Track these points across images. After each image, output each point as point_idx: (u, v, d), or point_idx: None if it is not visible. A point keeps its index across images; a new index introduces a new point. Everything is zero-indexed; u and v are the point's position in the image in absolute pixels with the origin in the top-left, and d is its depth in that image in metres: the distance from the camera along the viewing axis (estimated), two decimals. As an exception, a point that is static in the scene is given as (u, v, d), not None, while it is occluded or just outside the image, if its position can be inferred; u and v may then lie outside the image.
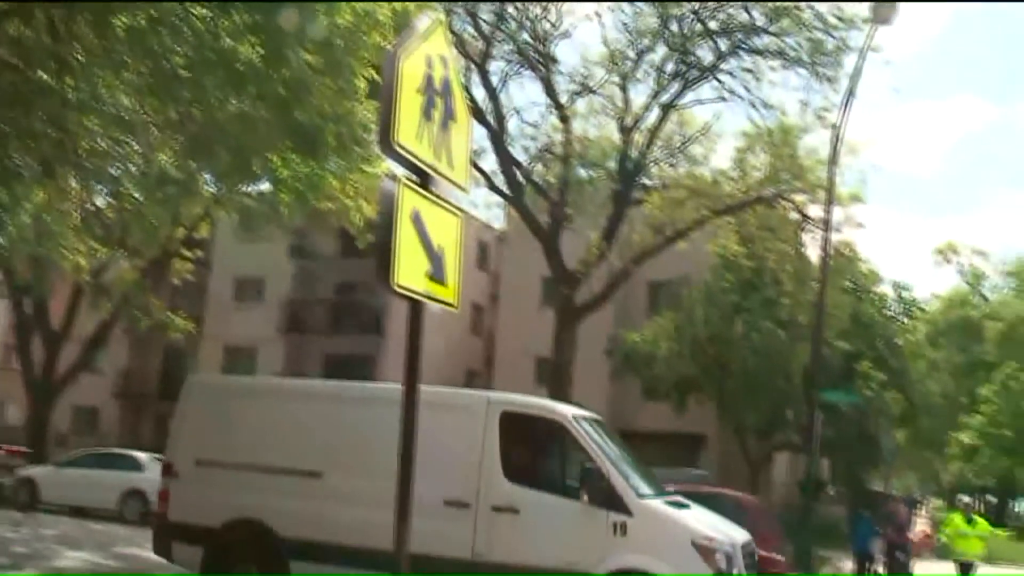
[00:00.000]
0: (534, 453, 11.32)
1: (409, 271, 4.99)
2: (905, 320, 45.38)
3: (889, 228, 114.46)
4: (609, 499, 10.04)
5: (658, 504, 10.50)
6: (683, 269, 32.02)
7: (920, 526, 31.75)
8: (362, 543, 10.31)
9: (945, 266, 62.01)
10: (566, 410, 11.08)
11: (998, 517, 30.32)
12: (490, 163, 24.13)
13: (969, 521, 21.15)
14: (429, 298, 5.26)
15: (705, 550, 9.84)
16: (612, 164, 23.91)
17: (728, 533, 10.56)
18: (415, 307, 5.17)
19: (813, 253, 25.98)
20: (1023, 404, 43.81)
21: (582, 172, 24.64)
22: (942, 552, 24.97)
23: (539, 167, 24.84)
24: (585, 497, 10.09)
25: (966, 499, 27.19)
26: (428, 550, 10.23)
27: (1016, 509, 46.68)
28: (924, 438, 49.88)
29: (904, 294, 46.16)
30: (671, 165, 24.51)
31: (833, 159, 22.77)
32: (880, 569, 21.84)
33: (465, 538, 10.32)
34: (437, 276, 5.31)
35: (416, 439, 5.47)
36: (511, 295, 41.53)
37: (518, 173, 23.92)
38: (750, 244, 25.20)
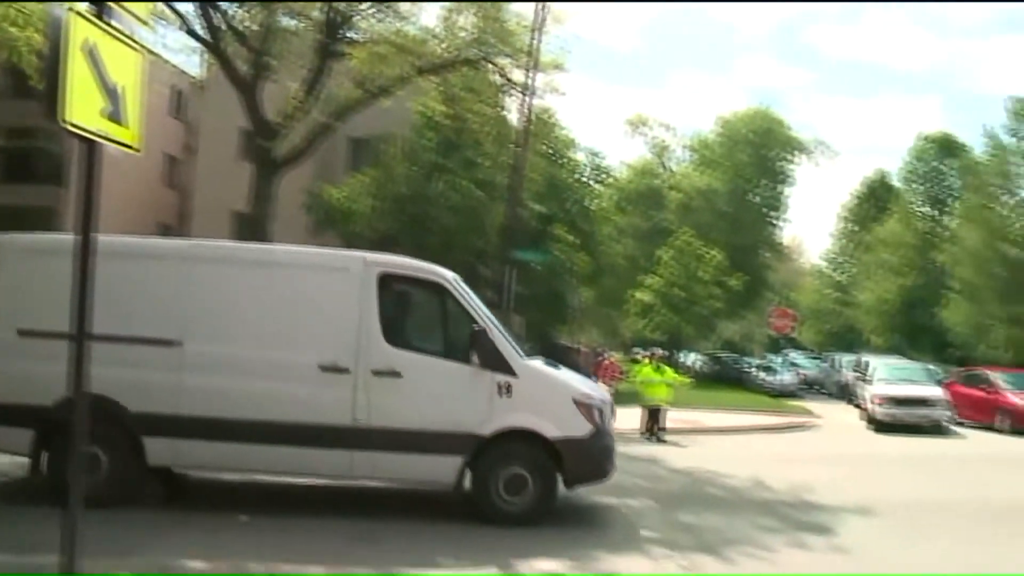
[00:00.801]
0: (415, 315, 11.14)
1: (83, 108, 4.63)
2: (596, 186, 47.93)
3: (586, 97, 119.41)
4: (495, 360, 10.15)
5: (538, 364, 10.83)
6: (385, 126, 31.88)
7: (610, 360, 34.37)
8: (224, 414, 9.86)
9: (635, 137, 65.77)
10: (447, 272, 10.89)
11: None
12: (187, 5, 22.52)
13: (657, 369, 23.27)
14: (105, 139, 4.93)
15: (584, 407, 10.36)
16: (317, 14, 23.04)
17: (598, 390, 11.27)
18: (90, 147, 4.85)
19: (514, 117, 26.80)
20: (693, 267, 47.93)
21: (286, 20, 23.61)
22: (629, 399, 27.24)
23: (240, 12, 23.47)
24: (476, 359, 10.11)
25: (644, 352, 29.62)
26: (303, 417, 10.02)
27: (682, 360, 51.44)
28: (607, 296, 53.56)
29: (597, 161, 48.63)
30: (378, 20, 23.94)
31: (538, 26, 23.35)
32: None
33: (344, 404, 10.03)
34: (115, 116, 4.97)
35: (93, 292, 5.23)
36: (208, 147, 39.68)
37: (217, 17, 22.51)
38: (453, 105, 25.40)
